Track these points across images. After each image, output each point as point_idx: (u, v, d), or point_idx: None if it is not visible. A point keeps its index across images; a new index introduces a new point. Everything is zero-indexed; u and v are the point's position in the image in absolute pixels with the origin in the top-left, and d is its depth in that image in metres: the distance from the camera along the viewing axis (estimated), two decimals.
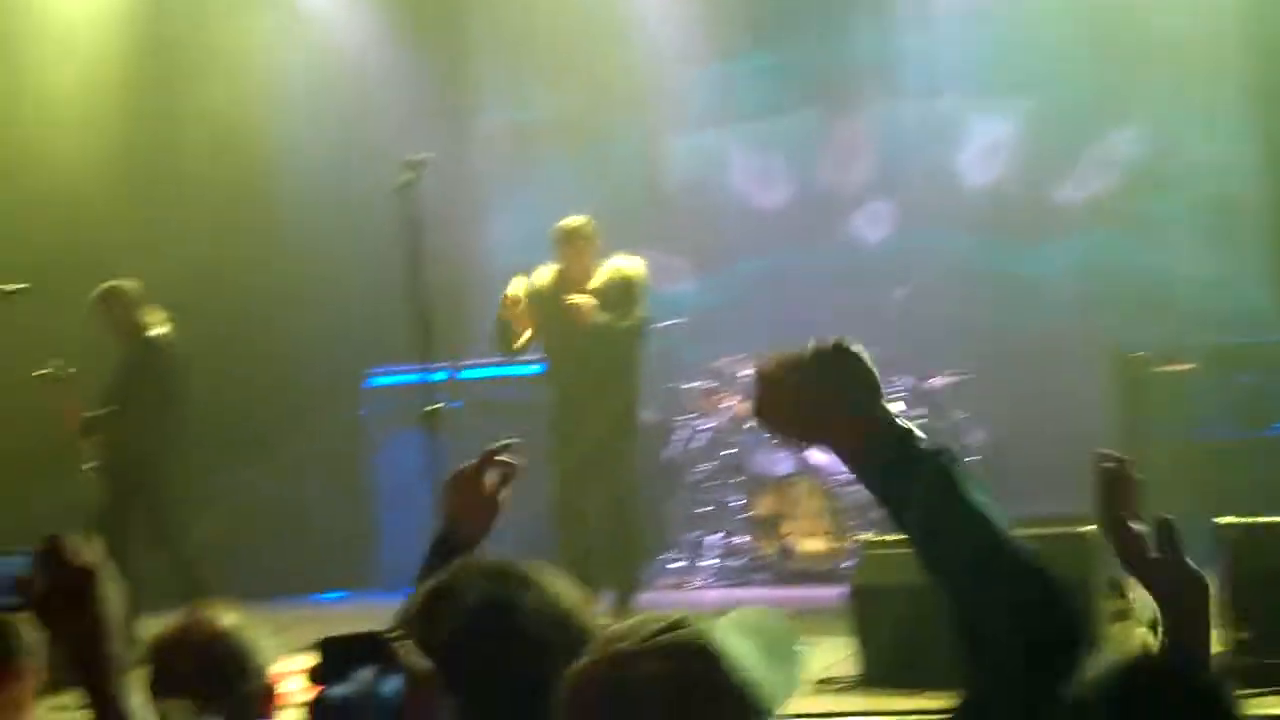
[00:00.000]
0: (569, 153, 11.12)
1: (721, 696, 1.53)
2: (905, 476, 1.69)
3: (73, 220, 9.11)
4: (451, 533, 2.40)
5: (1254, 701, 4.14)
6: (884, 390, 1.75)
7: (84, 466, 7.27)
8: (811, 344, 1.76)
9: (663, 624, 1.58)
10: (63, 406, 7.16)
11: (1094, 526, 4.78)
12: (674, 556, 8.98)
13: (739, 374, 9.02)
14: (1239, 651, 4.79)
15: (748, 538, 8.71)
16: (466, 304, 10.53)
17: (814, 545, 8.49)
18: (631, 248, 7.57)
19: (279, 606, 8.04)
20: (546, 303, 7.19)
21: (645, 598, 7.55)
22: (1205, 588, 2.30)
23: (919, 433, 1.72)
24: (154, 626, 2.71)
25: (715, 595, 8.49)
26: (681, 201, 10.98)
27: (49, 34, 9.71)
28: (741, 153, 10.91)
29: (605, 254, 7.32)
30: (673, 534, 9.26)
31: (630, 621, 1.62)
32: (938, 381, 8.88)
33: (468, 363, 9.57)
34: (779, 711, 1.57)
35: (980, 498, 1.68)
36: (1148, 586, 2.31)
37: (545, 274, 7.36)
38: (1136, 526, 2.26)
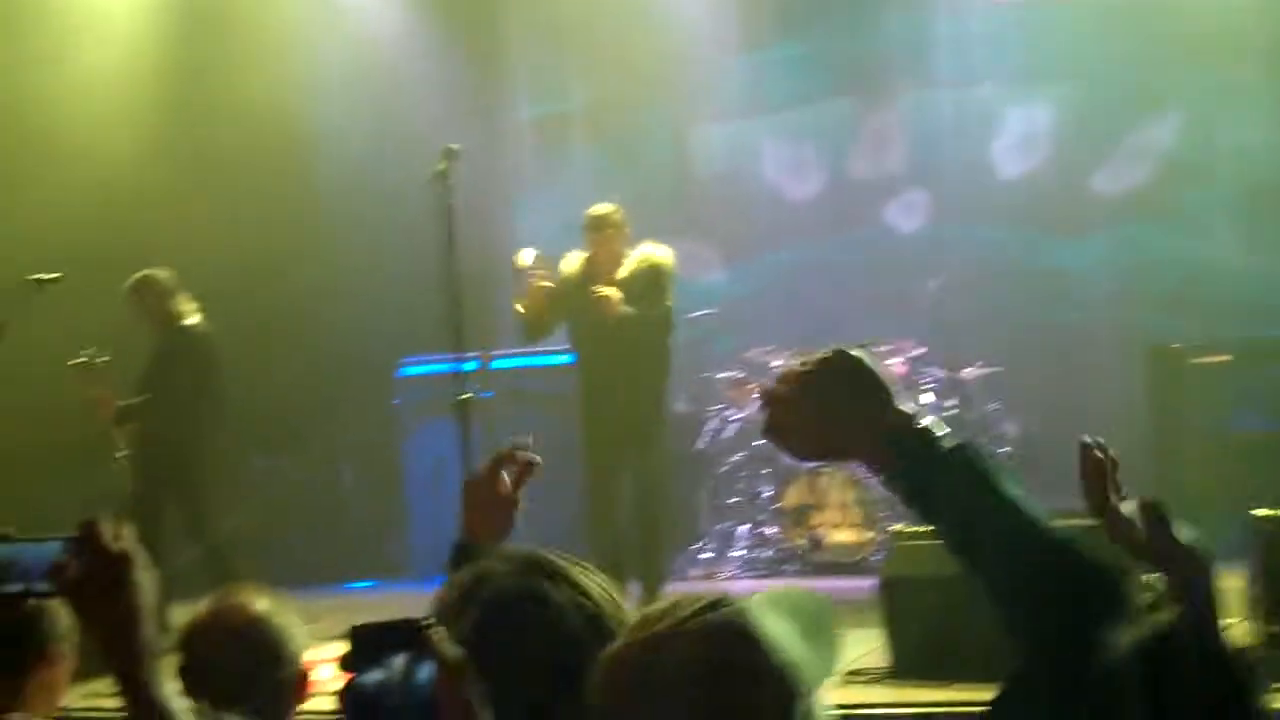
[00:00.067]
0: (601, 143, 11.13)
1: (760, 678, 1.52)
2: (930, 476, 1.68)
3: (108, 210, 9.15)
4: (471, 537, 2.40)
5: None
6: (895, 390, 1.72)
7: (117, 455, 7.30)
8: (814, 356, 1.74)
9: (699, 605, 1.57)
10: (96, 395, 7.19)
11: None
12: (703, 547, 8.98)
13: (770, 364, 9.00)
14: (1272, 645, 4.76)
15: (777, 529, 8.70)
16: (498, 294, 10.54)
17: (843, 536, 8.48)
18: (663, 238, 7.55)
19: (310, 595, 8.08)
20: (575, 291, 7.17)
21: (674, 588, 7.56)
22: (1204, 563, 2.29)
23: (941, 428, 1.70)
24: (186, 615, 2.71)
25: (744, 586, 8.48)
26: (713, 192, 10.96)
27: (86, 24, 9.76)
28: (773, 142, 10.89)
29: (635, 243, 7.30)
30: (702, 524, 9.26)
31: (666, 603, 1.62)
32: (970, 373, 8.85)
33: (499, 352, 9.59)
34: (818, 690, 1.56)
35: (1010, 487, 1.67)
36: (1151, 566, 2.32)
37: (573, 261, 7.32)
38: (1124, 509, 2.27)
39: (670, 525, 7.60)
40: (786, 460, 8.85)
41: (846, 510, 8.49)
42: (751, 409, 9.03)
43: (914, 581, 5.15)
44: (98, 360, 7.14)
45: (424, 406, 9.50)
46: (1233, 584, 6.45)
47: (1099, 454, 2.38)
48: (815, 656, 1.57)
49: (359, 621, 1.54)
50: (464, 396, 6.17)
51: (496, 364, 9.57)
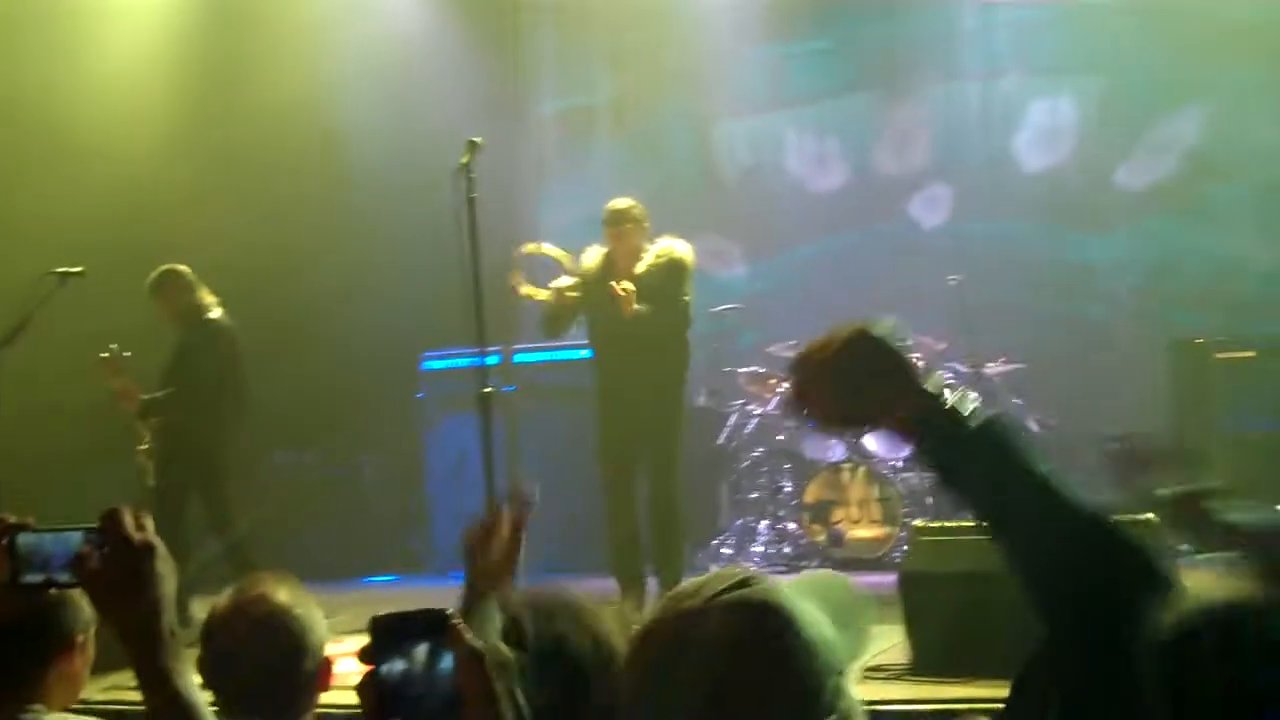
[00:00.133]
0: (624, 137, 11.13)
1: (789, 653, 1.52)
2: (958, 454, 1.68)
3: (131, 205, 9.18)
4: (475, 582, 2.41)
5: None
6: (917, 366, 1.73)
7: (139, 448, 7.32)
8: (839, 330, 1.74)
9: (730, 581, 1.57)
10: (120, 388, 7.21)
11: (1152, 515, 4.75)
12: (724, 542, 8.97)
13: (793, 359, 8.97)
14: None
15: (797, 524, 8.69)
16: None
17: (864, 532, 8.47)
18: (686, 232, 7.53)
19: (331, 590, 8.10)
20: (593, 286, 7.16)
21: (681, 587, 7.55)
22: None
23: (967, 405, 1.70)
24: (208, 608, 2.71)
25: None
26: (736, 186, 10.95)
27: (110, 20, 9.80)
28: (797, 137, 10.87)
29: (656, 237, 7.28)
30: (723, 519, 9.26)
31: (697, 580, 1.62)
32: (992, 369, 8.82)
33: (521, 346, 9.60)
34: (847, 671, 1.56)
35: (1039, 463, 1.67)
36: (1245, 553, 2.26)
37: (593, 256, 7.31)
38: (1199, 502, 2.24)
39: (688, 520, 7.58)
40: (808, 456, 8.86)
41: (867, 506, 8.48)
42: (773, 404, 9.03)
43: (934, 577, 5.14)
44: (122, 355, 7.16)
45: (446, 400, 9.52)
46: None
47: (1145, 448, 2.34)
48: (844, 638, 1.57)
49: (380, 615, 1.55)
50: (486, 390, 6.17)
51: (518, 358, 9.59)
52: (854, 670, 1.60)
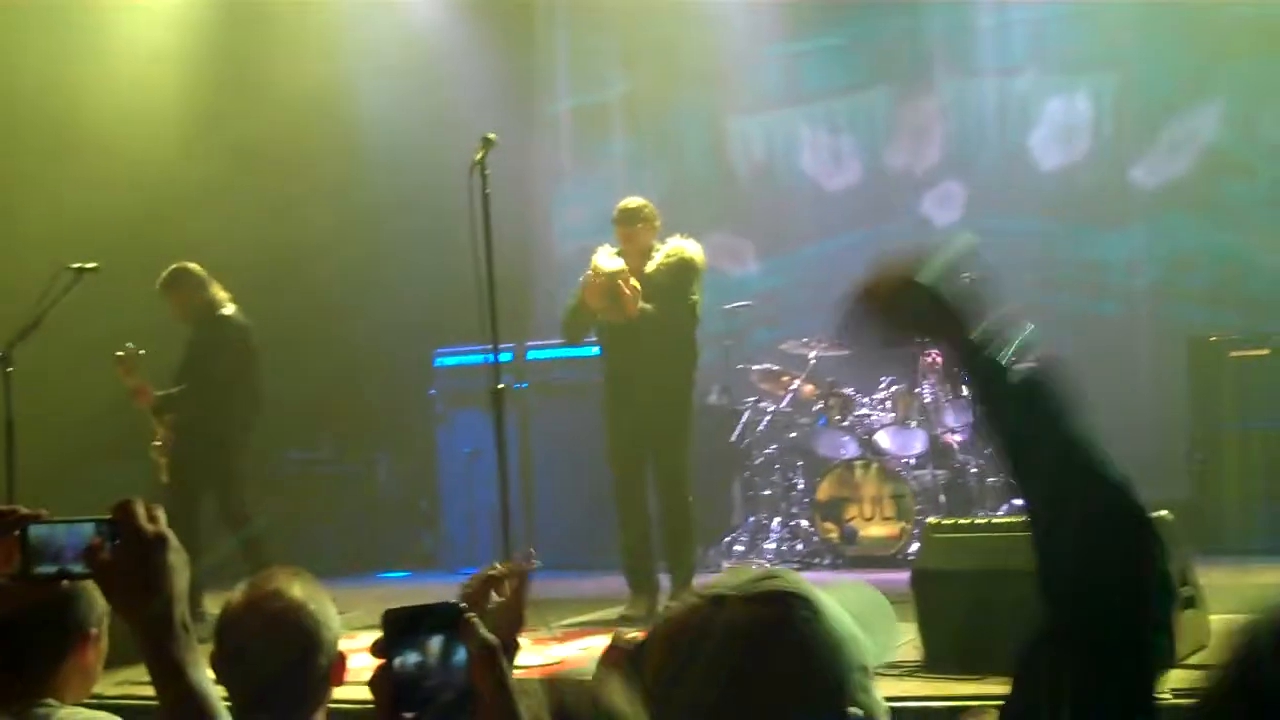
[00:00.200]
0: (638, 133, 11.13)
1: (814, 641, 1.53)
2: (994, 399, 1.75)
3: (147, 200, 9.20)
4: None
5: None
6: (970, 306, 1.80)
7: (154, 445, 7.33)
8: (893, 268, 1.81)
9: (757, 575, 1.58)
10: (135, 385, 7.22)
11: (1167, 512, 4.74)
12: (736, 539, 8.97)
13: (806, 356, 8.99)
14: None
15: (810, 521, 8.68)
16: (534, 285, 10.57)
17: (876, 529, 8.46)
18: (699, 229, 7.53)
19: (343, 586, 8.11)
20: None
21: (707, 579, 7.54)
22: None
23: (1013, 353, 1.76)
24: (220, 605, 2.69)
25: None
26: (750, 183, 10.95)
27: (125, 14, 9.81)
28: (811, 133, 10.86)
29: (667, 236, 7.27)
30: (736, 517, 9.25)
31: (724, 575, 1.63)
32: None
33: (534, 343, 9.60)
34: (872, 668, 1.57)
35: (1072, 422, 1.72)
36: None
37: (605, 255, 7.30)
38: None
39: (700, 518, 7.57)
40: (821, 453, 8.84)
41: (880, 503, 8.46)
42: (786, 401, 9.03)
43: (947, 575, 5.12)
44: (136, 353, 7.17)
45: (459, 397, 9.53)
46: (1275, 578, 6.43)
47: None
48: (872, 639, 1.58)
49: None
50: (499, 387, 6.17)
51: (531, 355, 9.60)
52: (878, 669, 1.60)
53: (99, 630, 2.72)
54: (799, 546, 8.76)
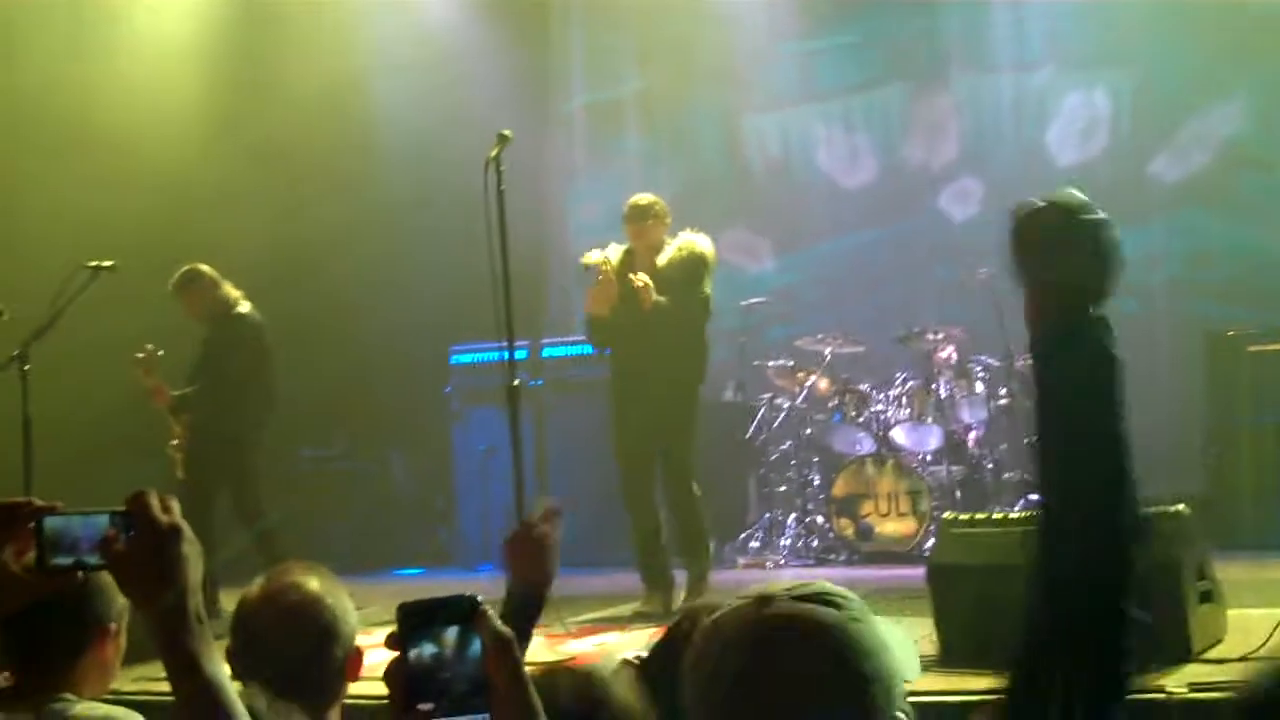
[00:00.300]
0: (653, 130, 11.12)
1: (874, 644, 1.55)
2: (1052, 352, 1.82)
3: (163, 200, 9.23)
4: (519, 586, 2.53)
5: None
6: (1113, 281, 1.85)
7: (171, 443, 7.35)
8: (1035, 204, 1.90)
9: (800, 583, 1.60)
10: (152, 385, 7.23)
11: (1184, 506, 4.72)
12: (752, 535, 8.96)
13: (822, 353, 8.98)
14: None
15: (826, 517, 8.67)
16: (549, 282, 10.57)
17: (892, 526, 8.45)
18: (714, 226, 7.51)
19: (358, 582, 8.12)
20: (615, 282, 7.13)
21: (722, 576, 7.54)
22: None
23: (1102, 319, 1.83)
24: (236, 601, 2.69)
25: (792, 574, 8.45)
26: (765, 180, 10.94)
27: (142, 15, 9.84)
28: (826, 130, 10.84)
29: (681, 230, 7.25)
30: (752, 513, 9.25)
31: (757, 585, 1.64)
32: (1024, 362, 8.77)
33: (549, 340, 9.61)
34: (903, 682, 1.58)
35: (1110, 402, 1.77)
36: None
37: (615, 252, 7.31)
38: None
39: (715, 514, 7.56)
40: (836, 449, 8.84)
41: (895, 499, 8.45)
42: (801, 397, 9.02)
43: (962, 570, 5.11)
44: (154, 354, 7.18)
45: (474, 394, 9.54)
46: None
47: None
48: (902, 655, 1.60)
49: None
50: (514, 384, 6.17)
51: (546, 352, 9.60)
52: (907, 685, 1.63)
53: (118, 626, 2.72)
54: (814, 543, 8.76)
